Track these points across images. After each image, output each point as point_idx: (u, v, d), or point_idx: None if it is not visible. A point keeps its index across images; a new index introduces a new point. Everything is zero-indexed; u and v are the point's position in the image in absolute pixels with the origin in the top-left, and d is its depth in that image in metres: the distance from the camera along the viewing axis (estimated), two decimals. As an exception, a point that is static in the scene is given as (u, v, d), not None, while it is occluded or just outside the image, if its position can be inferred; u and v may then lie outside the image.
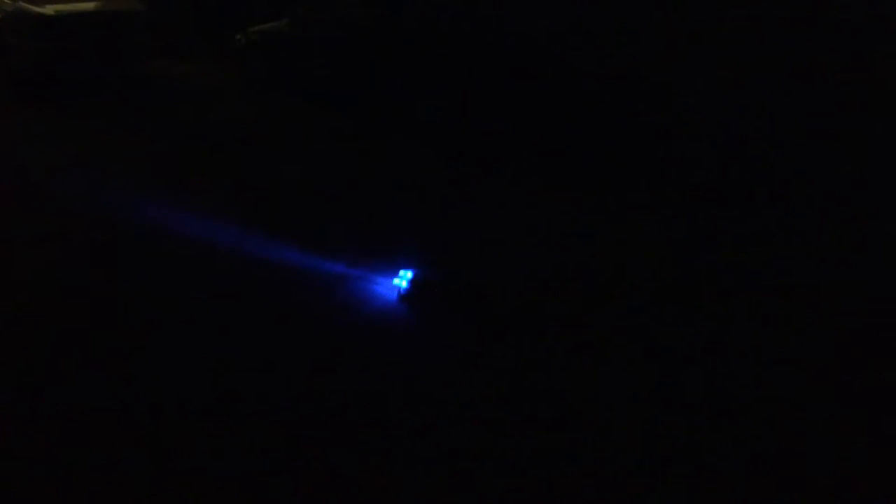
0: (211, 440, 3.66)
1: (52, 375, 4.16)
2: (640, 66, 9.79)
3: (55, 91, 10.12)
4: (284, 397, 4.05)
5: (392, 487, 3.43)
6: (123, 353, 4.38)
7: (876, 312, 5.16)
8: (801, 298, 5.32)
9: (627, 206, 6.95)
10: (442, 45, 9.98)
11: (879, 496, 3.52)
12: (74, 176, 7.31)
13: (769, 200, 7.25)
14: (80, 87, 10.33)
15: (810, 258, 6.00)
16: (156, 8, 11.15)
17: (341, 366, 4.39)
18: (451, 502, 3.39)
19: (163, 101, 10.35)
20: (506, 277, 5.53)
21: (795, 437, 3.87)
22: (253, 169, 7.85)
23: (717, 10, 10.12)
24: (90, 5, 10.66)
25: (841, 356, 4.62)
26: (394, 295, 5.17)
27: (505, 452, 3.66)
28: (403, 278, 5.19)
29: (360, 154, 8.39)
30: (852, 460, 3.71)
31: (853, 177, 7.71)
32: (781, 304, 5.24)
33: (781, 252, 6.11)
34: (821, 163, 8.08)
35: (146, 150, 8.33)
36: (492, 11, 10.42)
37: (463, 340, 4.71)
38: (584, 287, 5.43)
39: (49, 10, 10.05)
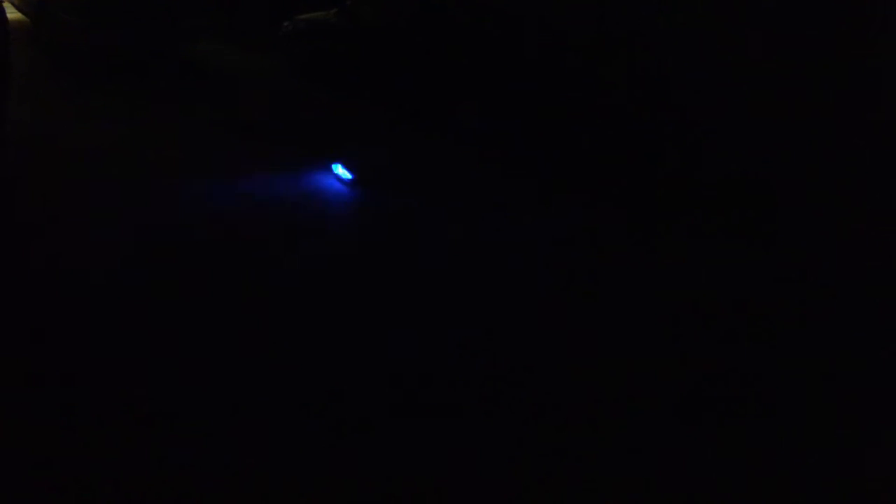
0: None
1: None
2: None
3: (99, 68, 9.83)
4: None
5: None
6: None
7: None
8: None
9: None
10: (483, 46, 9.55)
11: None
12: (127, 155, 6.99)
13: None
14: (124, 65, 10.03)
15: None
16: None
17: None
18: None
19: (206, 84, 10.04)
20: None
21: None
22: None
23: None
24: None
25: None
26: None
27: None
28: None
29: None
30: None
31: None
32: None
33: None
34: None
35: (194, 134, 7.96)
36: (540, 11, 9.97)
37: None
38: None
39: (93, -13, 9.74)
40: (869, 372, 4.54)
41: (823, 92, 8.38)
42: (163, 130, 7.80)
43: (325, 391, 3.71)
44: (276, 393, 3.65)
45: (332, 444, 3.33)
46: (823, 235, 6.82)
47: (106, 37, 9.81)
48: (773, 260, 6.20)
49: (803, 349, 4.73)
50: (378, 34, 10.16)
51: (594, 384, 4.07)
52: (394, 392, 3.79)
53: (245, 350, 3.97)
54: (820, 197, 7.31)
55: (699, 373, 4.31)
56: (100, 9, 9.62)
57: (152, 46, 10.21)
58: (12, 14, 10.43)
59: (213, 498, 2.93)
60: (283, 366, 3.88)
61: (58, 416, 3.27)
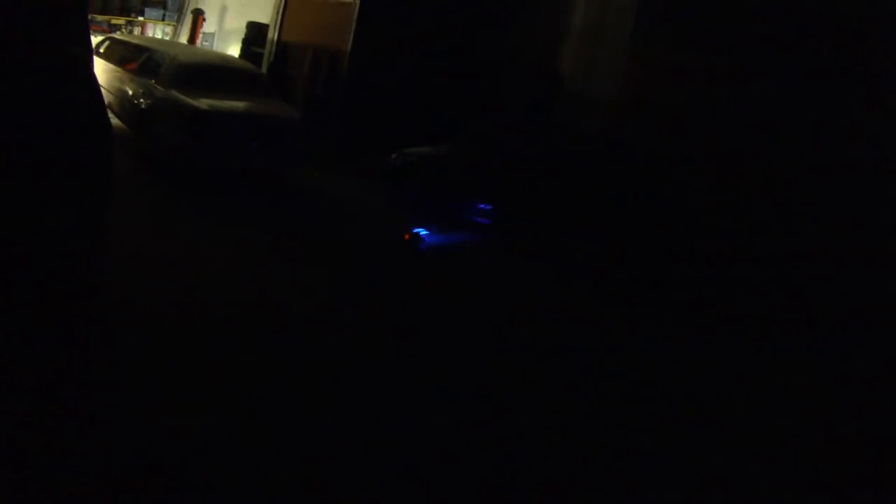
0: None
1: None
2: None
3: (200, 188, 9.21)
4: None
5: None
6: None
7: None
8: None
9: None
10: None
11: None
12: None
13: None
14: (226, 187, 9.41)
15: None
16: (312, 117, 10.28)
17: None
18: None
19: (311, 213, 9.33)
20: None
21: None
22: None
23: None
24: (244, 105, 9.78)
25: None
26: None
27: None
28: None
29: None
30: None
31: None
32: None
33: None
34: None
35: (294, 267, 7.13)
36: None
37: None
38: None
39: (203, 103, 9.16)
40: None
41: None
42: (253, 263, 6.96)
43: None
44: None
45: None
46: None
47: (214, 158, 9.17)
48: None
49: None
50: (494, 173, 9.42)
51: None
52: None
53: None
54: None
55: None
56: (202, 127, 9.01)
57: (256, 169, 9.54)
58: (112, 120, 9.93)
59: None
60: None
61: None
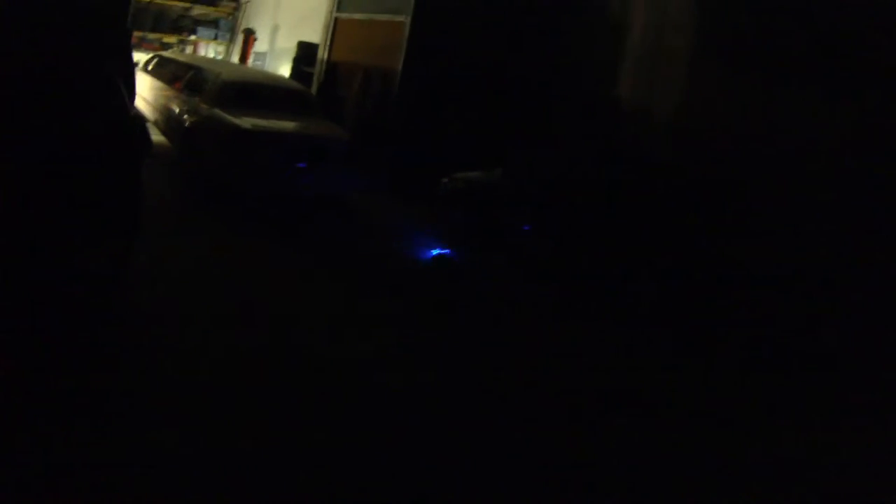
0: None
1: None
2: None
3: (242, 209, 8.85)
4: None
5: None
6: None
7: None
8: None
9: None
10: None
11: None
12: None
13: None
14: (270, 208, 9.02)
15: None
16: (361, 138, 9.84)
17: None
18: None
19: (354, 236, 8.90)
20: None
21: None
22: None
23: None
24: (290, 124, 9.40)
25: None
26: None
27: None
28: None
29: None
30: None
31: None
32: None
33: None
34: None
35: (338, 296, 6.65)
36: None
37: None
38: None
39: (246, 122, 8.79)
40: None
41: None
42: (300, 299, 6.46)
43: None
44: None
45: None
46: None
47: (257, 179, 8.78)
48: None
49: None
50: (551, 202, 8.83)
51: None
52: None
53: None
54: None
55: None
56: (246, 147, 8.62)
57: (301, 191, 9.13)
58: (156, 136, 9.66)
59: None
60: None
61: None
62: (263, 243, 7.85)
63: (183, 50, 17.58)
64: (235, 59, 17.01)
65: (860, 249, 7.79)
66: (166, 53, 13.72)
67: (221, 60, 16.03)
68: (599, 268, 8.21)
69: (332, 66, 13.43)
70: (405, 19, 11.83)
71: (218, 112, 9.05)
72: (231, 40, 17.99)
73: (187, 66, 10.89)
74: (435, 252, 8.45)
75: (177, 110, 9.95)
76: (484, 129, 11.15)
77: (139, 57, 13.63)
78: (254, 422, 4.25)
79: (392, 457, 4.18)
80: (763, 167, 8.87)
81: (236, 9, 17.82)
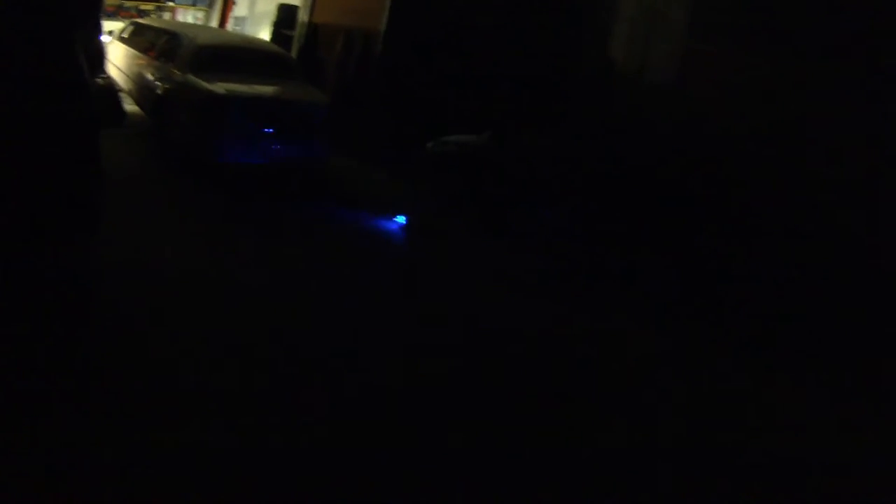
0: None
1: None
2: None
3: (217, 178, 8.53)
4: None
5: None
6: None
7: None
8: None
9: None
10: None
11: None
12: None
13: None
14: (246, 178, 8.71)
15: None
16: (342, 102, 9.48)
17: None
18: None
19: (340, 211, 8.61)
20: None
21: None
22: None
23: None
24: (268, 89, 9.04)
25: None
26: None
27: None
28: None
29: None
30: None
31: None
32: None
33: None
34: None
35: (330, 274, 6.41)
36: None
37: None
38: None
39: (221, 87, 8.43)
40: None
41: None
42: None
43: None
44: None
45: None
46: None
47: (232, 146, 8.44)
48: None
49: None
50: (542, 164, 8.51)
51: None
52: None
53: None
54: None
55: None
56: (220, 113, 8.30)
57: (278, 159, 8.80)
58: (130, 107, 9.30)
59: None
60: None
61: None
62: (239, 216, 7.57)
63: (161, 17, 17.08)
64: (215, 24, 16.54)
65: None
66: (143, 21, 13.27)
67: (197, 25, 15.55)
68: (600, 245, 7.89)
69: (313, 28, 13.00)
70: (388, -23, 11.42)
71: (191, 78, 8.68)
72: (210, 5, 17.49)
73: (162, 33, 10.47)
74: (403, 218, 8.28)
75: (150, 78, 9.58)
76: (469, 93, 10.77)
77: (116, 26, 13.20)
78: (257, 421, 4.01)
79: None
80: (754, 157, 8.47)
81: (215, -27, 17.31)
